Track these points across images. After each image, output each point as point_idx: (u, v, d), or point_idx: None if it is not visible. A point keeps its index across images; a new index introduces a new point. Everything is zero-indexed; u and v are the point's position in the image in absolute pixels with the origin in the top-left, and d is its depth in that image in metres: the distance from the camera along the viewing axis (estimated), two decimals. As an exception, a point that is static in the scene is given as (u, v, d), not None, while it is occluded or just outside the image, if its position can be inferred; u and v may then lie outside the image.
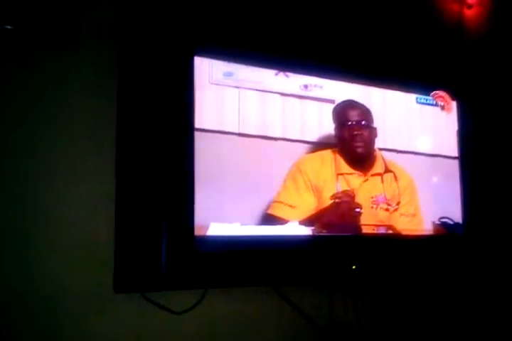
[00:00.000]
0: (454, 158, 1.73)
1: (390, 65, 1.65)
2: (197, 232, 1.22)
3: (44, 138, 1.18)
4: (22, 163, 1.15)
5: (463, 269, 1.62)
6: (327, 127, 1.50)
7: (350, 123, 1.50)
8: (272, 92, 1.43)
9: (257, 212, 1.35)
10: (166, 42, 1.25)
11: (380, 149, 1.57)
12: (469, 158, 1.74)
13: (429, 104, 1.72)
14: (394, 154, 1.60)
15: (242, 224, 1.30)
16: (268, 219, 1.35)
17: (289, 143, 1.43)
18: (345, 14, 1.62)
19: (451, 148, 1.73)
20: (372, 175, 1.54)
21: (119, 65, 1.21)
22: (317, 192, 1.45)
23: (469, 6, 1.97)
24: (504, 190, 1.82)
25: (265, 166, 1.39)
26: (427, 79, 1.72)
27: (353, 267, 1.41)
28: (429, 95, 1.72)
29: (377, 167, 1.55)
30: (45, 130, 1.19)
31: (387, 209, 1.54)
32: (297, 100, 1.47)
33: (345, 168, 1.50)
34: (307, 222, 1.40)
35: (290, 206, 1.39)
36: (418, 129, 1.69)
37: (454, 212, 1.69)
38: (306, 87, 1.48)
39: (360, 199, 1.49)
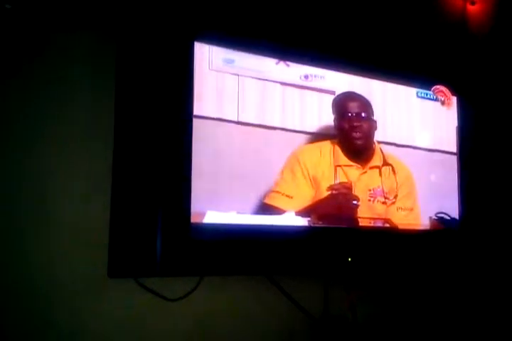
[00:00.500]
0: (453, 153, 1.73)
1: (392, 58, 1.64)
2: (193, 219, 1.21)
3: (40, 125, 1.17)
4: (19, 156, 1.15)
5: (459, 264, 1.62)
6: (327, 118, 1.49)
7: (350, 114, 1.49)
8: (272, 81, 1.41)
9: (254, 201, 1.34)
10: (166, 27, 1.23)
11: (379, 142, 1.56)
12: (468, 153, 1.74)
13: (429, 99, 1.71)
14: (393, 147, 1.60)
15: (238, 213, 1.29)
16: (265, 208, 1.34)
17: (287, 132, 1.42)
18: (350, 5, 1.61)
19: (451, 143, 1.73)
20: (371, 167, 1.53)
21: (118, 50, 1.20)
22: (315, 183, 1.44)
23: (473, 2, 1.96)
24: (502, 187, 1.82)
25: (263, 155, 1.38)
26: (428, 74, 1.72)
27: (349, 259, 1.41)
28: (429, 90, 1.71)
29: (376, 160, 1.54)
30: (43, 115, 1.18)
31: (384, 203, 1.53)
32: (297, 90, 1.45)
33: (343, 159, 1.49)
34: (304, 212, 1.39)
35: (287, 196, 1.38)
36: (418, 123, 1.68)
37: (451, 208, 1.68)
38: (306, 77, 1.47)
39: (357, 191, 1.48)
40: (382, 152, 1.56)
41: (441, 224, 1.65)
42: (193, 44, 1.28)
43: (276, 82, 1.42)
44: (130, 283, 1.17)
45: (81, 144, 1.21)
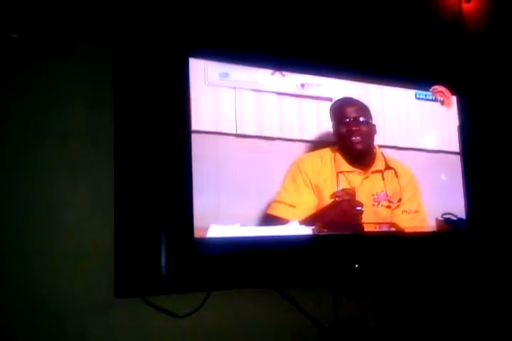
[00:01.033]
0: (456, 153, 1.72)
1: (388, 61, 1.63)
2: (197, 234, 1.22)
3: (41, 147, 1.18)
4: (22, 174, 1.15)
5: (467, 265, 1.61)
6: (325, 125, 1.49)
7: (347, 120, 1.49)
8: (268, 92, 1.42)
9: (257, 212, 1.34)
10: (161, 44, 1.25)
11: (380, 146, 1.56)
12: (471, 152, 1.73)
13: (428, 100, 1.70)
14: (394, 151, 1.59)
15: (241, 225, 1.29)
16: (268, 219, 1.34)
17: (287, 142, 1.42)
18: (341, 10, 1.61)
19: (453, 143, 1.72)
20: (373, 172, 1.53)
21: (114, 68, 1.21)
22: (318, 191, 1.44)
23: (468, 0, 1.95)
24: (507, 185, 1.80)
25: (264, 166, 1.38)
26: (425, 75, 1.71)
27: (356, 266, 1.40)
28: (428, 90, 1.71)
29: (378, 164, 1.54)
30: (44, 137, 1.19)
31: (388, 207, 1.53)
32: (294, 99, 1.46)
33: (345, 166, 1.49)
34: (308, 221, 1.39)
35: (290, 206, 1.38)
36: (418, 125, 1.67)
37: (458, 208, 1.67)
38: (302, 85, 1.48)
39: (361, 197, 1.48)
40: (383, 156, 1.56)
41: (448, 225, 1.64)
42: (188, 60, 1.29)
43: (273, 92, 1.43)
44: (137, 301, 1.18)
45: (84, 163, 1.22)
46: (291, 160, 1.42)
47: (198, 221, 1.22)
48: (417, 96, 1.69)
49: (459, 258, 1.59)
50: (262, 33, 1.42)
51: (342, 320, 1.43)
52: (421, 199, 1.60)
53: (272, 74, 1.44)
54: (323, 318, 1.43)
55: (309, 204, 1.42)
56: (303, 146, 1.45)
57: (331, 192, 1.45)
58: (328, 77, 1.51)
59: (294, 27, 1.49)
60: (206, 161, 1.27)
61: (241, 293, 1.31)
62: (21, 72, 1.18)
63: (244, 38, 1.38)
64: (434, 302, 1.65)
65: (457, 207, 1.67)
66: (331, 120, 1.49)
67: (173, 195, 1.19)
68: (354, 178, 1.49)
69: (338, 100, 1.51)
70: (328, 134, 1.49)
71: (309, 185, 1.43)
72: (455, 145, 1.72)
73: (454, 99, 1.74)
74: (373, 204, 1.51)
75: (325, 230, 1.40)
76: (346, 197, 1.46)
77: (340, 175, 1.48)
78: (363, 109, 1.53)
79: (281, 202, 1.37)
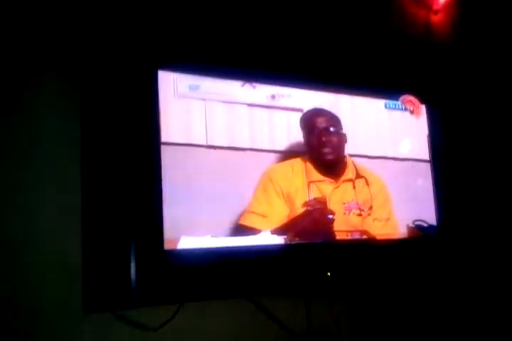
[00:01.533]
0: (426, 161, 1.75)
1: (358, 72, 1.67)
2: (167, 246, 1.22)
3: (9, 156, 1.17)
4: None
5: (438, 271, 1.64)
6: (296, 136, 1.51)
7: (318, 130, 1.52)
8: (239, 103, 1.44)
9: (229, 223, 1.35)
10: (130, 57, 1.26)
11: (351, 155, 1.59)
12: (441, 160, 1.77)
13: (398, 109, 1.74)
14: (365, 160, 1.62)
15: (213, 236, 1.30)
16: (240, 229, 1.35)
17: (258, 153, 1.44)
18: (309, 23, 1.64)
19: (423, 151, 1.75)
20: (344, 181, 1.55)
21: (81, 81, 1.21)
22: (289, 200, 1.45)
23: (435, 12, 2.01)
24: (476, 191, 1.85)
25: (235, 177, 1.39)
26: (395, 85, 1.75)
27: (328, 274, 1.42)
28: (397, 100, 1.74)
29: (349, 173, 1.56)
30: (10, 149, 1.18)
31: (359, 215, 1.55)
32: (265, 110, 1.48)
33: (316, 175, 1.51)
34: (279, 230, 1.40)
35: (262, 215, 1.39)
36: (388, 134, 1.71)
37: (428, 215, 1.71)
38: (273, 97, 1.50)
39: (332, 205, 1.50)
40: (354, 165, 1.58)
41: (419, 232, 1.67)
42: (157, 73, 1.30)
43: (244, 103, 1.44)
44: (107, 315, 1.17)
45: (51, 173, 1.20)
46: (262, 170, 1.44)
47: (168, 232, 1.23)
48: (387, 106, 1.72)
49: (430, 263, 1.62)
50: (231, 44, 1.44)
51: (315, 328, 1.44)
52: (392, 207, 1.63)
53: (242, 85, 1.45)
54: (297, 327, 1.44)
55: (281, 214, 1.43)
56: (274, 156, 1.47)
57: (303, 202, 1.47)
58: (299, 88, 1.54)
59: (263, 39, 1.52)
60: (177, 172, 1.28)
61: (213, 304, 1.31)
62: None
63: (214, 50, 1.40)
64: (406, 308, 1.68)
65: (428, 213, 1.71)
66: (302, 130, 1.52)
67: (142, 207, 1.19)
68: (325, 187, 1.52)
69: (309, 111, 1.53)
70: (298, 144, 1.51)
71: (281, 194, 1.45)
72: (425, 153, 1.76)
73: (423, 108, 1.78)
74: (344, 213, 1.53)
75: (297, 239, 1.42)
76: (318, 206, 1.48)
77: (311, 185, 1.50)
78: (333, 119, 1.56)
79: (253, 213, 1.39)
